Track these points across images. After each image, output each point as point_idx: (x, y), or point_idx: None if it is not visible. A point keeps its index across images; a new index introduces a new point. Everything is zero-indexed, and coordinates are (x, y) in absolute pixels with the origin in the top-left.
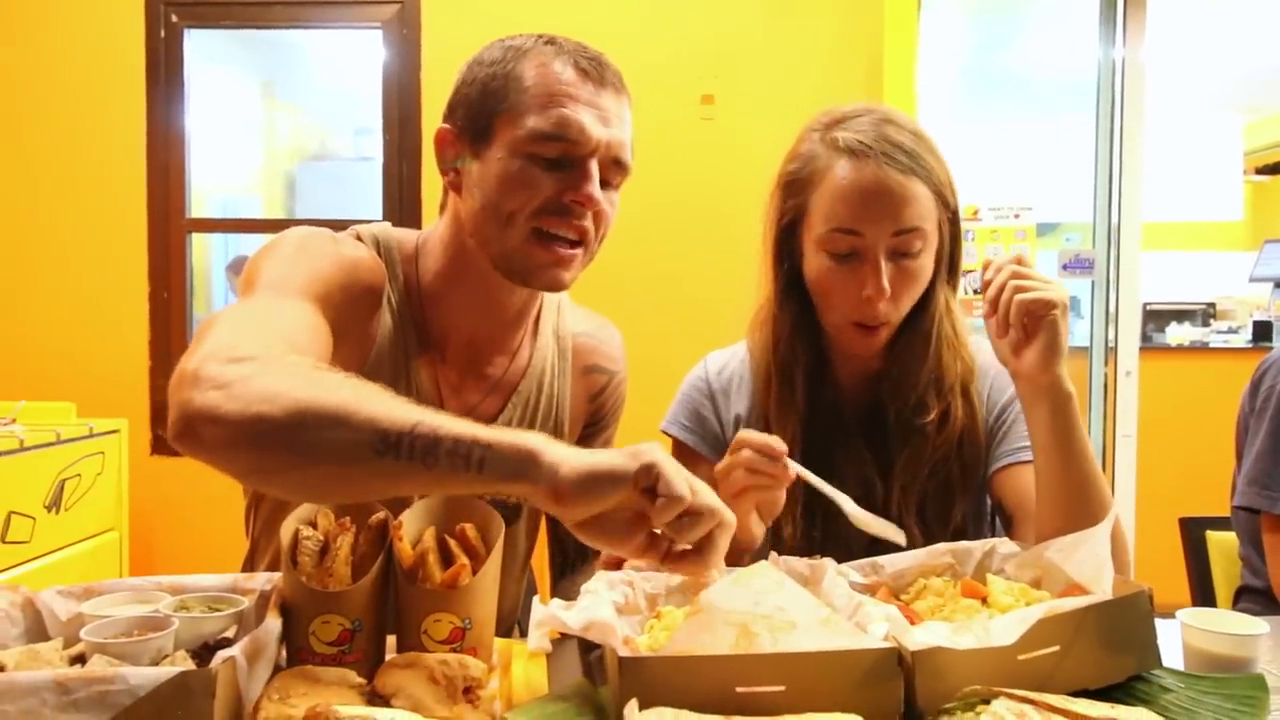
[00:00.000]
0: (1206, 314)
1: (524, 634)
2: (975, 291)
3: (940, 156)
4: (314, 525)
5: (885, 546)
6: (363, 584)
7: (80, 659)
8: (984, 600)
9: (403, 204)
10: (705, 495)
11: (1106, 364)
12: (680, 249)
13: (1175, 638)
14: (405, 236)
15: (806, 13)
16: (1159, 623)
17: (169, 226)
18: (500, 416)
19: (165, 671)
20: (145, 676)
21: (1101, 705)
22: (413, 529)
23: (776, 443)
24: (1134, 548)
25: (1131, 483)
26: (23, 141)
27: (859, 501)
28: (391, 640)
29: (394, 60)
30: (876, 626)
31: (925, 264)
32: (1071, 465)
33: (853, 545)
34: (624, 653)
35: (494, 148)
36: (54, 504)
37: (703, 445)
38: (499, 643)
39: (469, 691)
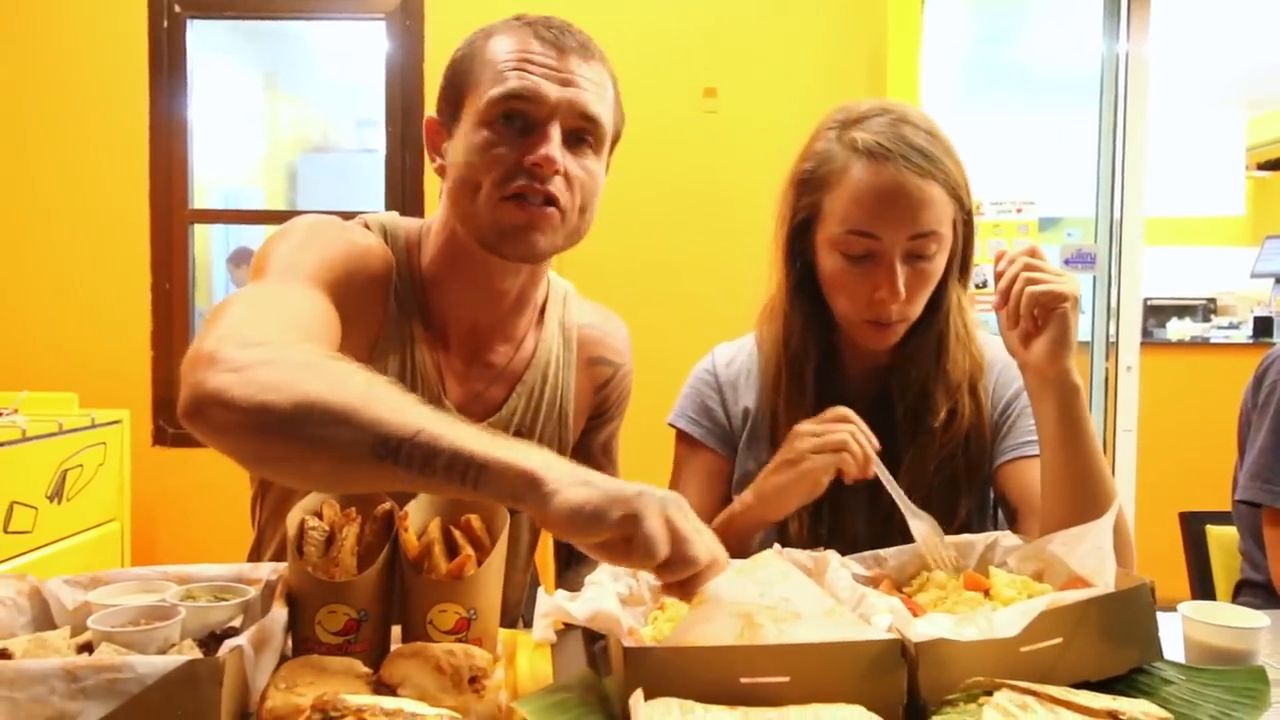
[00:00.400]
0: (1207, 309)
1: (528, 625)
2: (977, 286)
3: (956, 156)
4: (320, 515)
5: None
6: (369, 574)
7: (88, 647)
8: (986, 593)
9: (405, 195)
10: (693, 546)
11: (1108, 359)
12: (684, 241)
13: (1175, 631)
14: (410, 225)
15: (810, 6)
16: (1159, 616)
17: (171, 217)
18: (505, 405)
19: (173, 660)
20: (153, 665)
21: (1103, 697)
22: (418, 520)
23: (873, 437)
24: (1134, 542)
25: (1132, 477)
26: (25, 132)
27: (864, 499)
28: (396, 630)
29: (397, 51)
30: (880, 618)
31: (939, 265)
32: (1077, 457)
33: (859, 544)
34: (629, 643)
35: (463, 123)
36: (56, 494)
37: (710, 438)
38: (503, 633)
39: (475, 681)
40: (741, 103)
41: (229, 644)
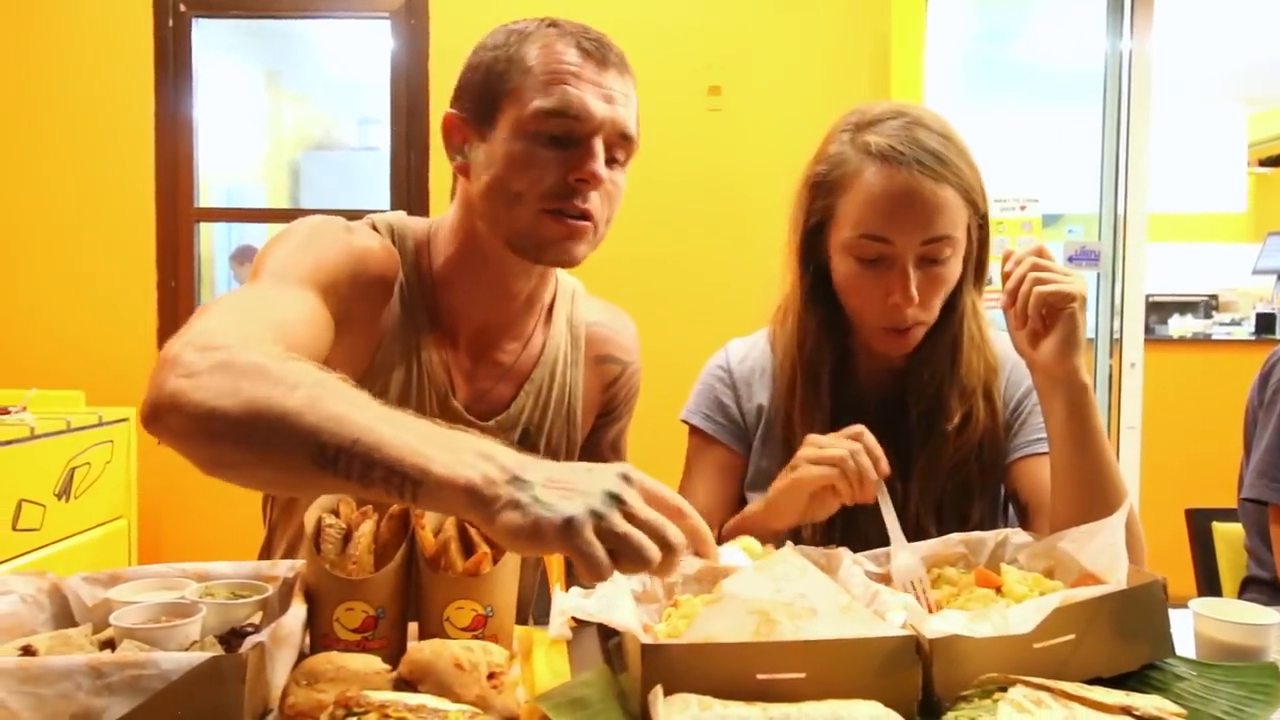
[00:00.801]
0: (1209, 306)
1: (537, 622)
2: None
3: (970, 159)
4: (336, 513)
5: None
6: (386, 571)
7: (109, 644)
8: (998, 589)
9: (411, 194)
10: (632, 550)
11: (1111, 356)
12: (689, 238)
13: (1184, 627)
14: (418, 224)
15: (814, 3)
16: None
17: (177, 216)
18: (513, 404)
19: (197, 656)
20: (177, 661)
21: (1117, 693)
22: (434, 517)
23: (883, 459)
24: (1144, 539)
25: (1135, 474)
26: (32, 131)
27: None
28: (413, 627)
29: (402, 50)
30: (895, 615)
31: (954, 270)
32: (1087, 456)
33: (871, 546)
34: (646, 640)
35: (499, 129)
36: (64, 492)
37: (723, 434)
38: (518, 630)
39: (492, 677)
40: (746, 100)
41: (251, 641)
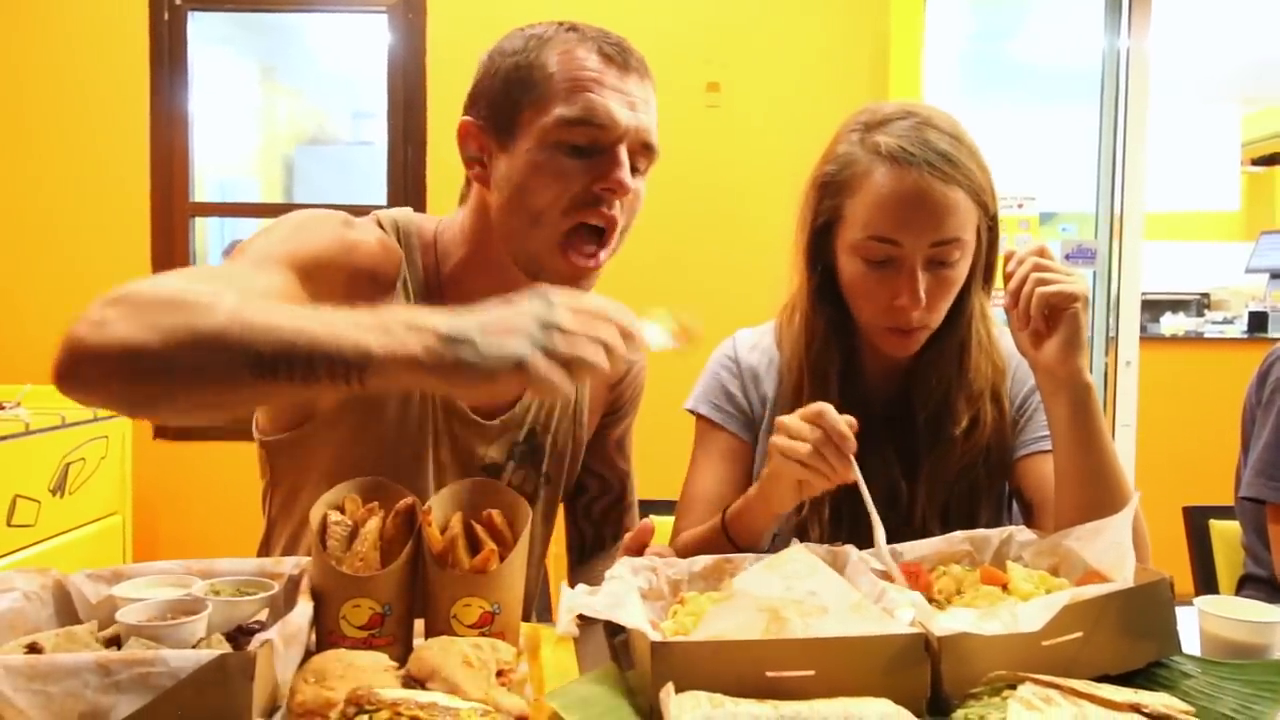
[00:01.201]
0: (1200, 304)
1: (540, 619)
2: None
3: (981, 160)
4: (342, 510)
5: None
6: (393, 568)
7: (115, 641)
8: (1004, 587)
9: (408, 189)
10: (582, 357)
11: (1107, 354)
12: (686, 235)
13: (1187, 625)
14: (425, 223)
15: (813, 1)
16: None
17: (172, 211)
18: (519, 403)
19: (205, 654)
20: (186, 659)
21: (1126, 691)
22: (440, 514)
23: (850, 439)
24: (1149, 537)
25: (1131, 472)
26: (27, 125)
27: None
28: (418, 624)
29: (399, 44)
30: (903, 612)
31: (962, 272)
32: (1091, 456)
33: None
34: (656, 637)
35: (521, 140)
36: (58, 488)
37: (731, 422)
38: (524, 627)
39: (501, 675)
40: (744, 97)
41: (259, 638)
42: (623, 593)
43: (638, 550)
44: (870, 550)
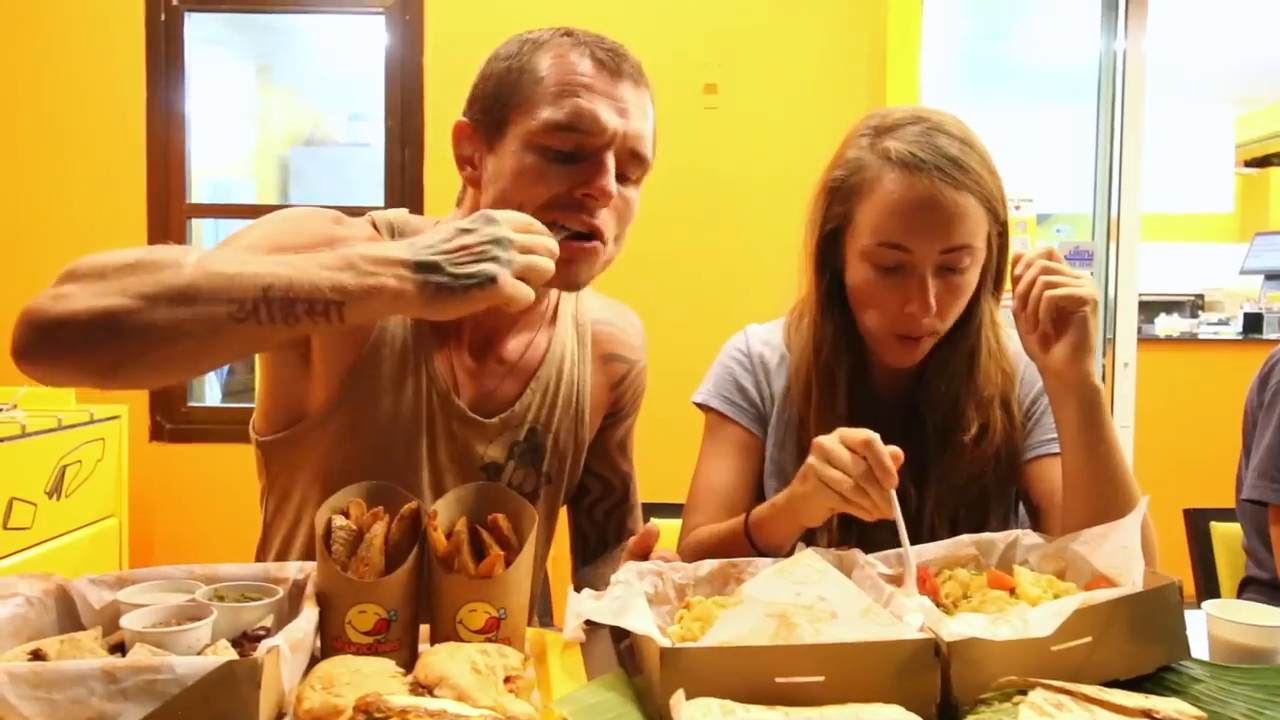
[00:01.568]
0: (1195, 305)
1: (542, 624)
2: None
3: (992, 166)
4: (346, 514)
5: None
6: (399, 574)
7: (119, 647)
8: (1012, 591)
9: (404, 191)
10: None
11: (1104, 356)
12: (683, 236)
13: (1195, 629)
14: (421, 224)
15: (810, 2)
16: None
17: (169, 212)
18: (519, 401)
19: (212, 661)
20: (192, 666)
21: (1137, 696)
22: (445, 519)
23: (894, 476)
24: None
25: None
26: (22, 125)
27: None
28: (424, 630)
29: (396, 46)
30: (912, 617)
31: (972, 279)
32: (1099, 459)
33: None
34: (665, 643)
35: (507, 140)
36: (55, 490)
37: (742, 416)
38: (530, 633)
39: (509, 681)
40: (742, 99)
41: (266, 644)
42: (629, 597)
43: (642, 555)
44: (914, 549)
